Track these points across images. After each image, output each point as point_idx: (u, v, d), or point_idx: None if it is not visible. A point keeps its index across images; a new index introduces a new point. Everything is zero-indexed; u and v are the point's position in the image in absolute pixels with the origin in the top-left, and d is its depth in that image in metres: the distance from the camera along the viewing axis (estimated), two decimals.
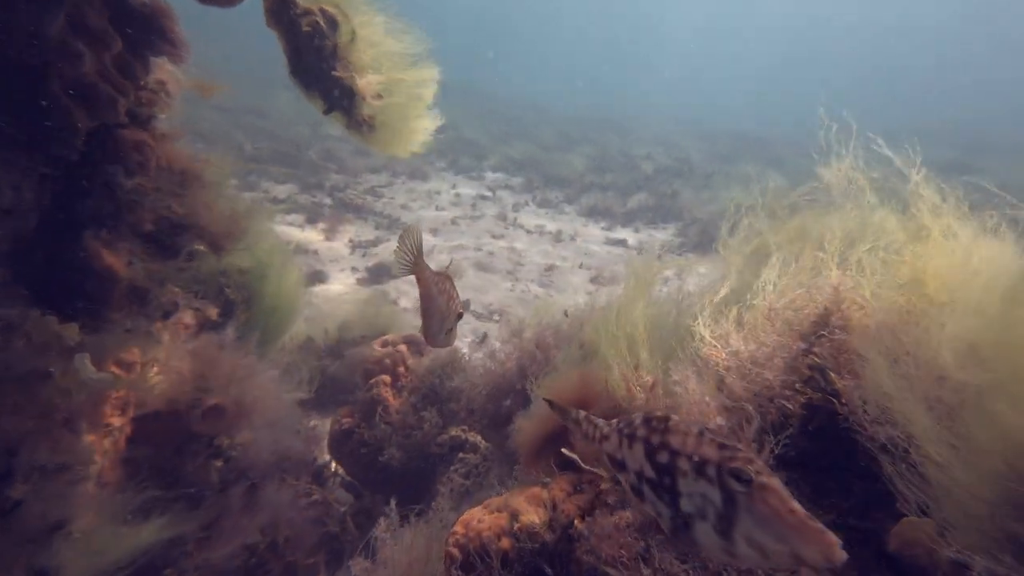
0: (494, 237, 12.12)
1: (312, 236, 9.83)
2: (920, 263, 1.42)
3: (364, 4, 3.28)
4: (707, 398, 1.70)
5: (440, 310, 2.29)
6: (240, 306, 3.56)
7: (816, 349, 1.69)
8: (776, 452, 1.61)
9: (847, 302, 1.63)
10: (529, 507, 1.72)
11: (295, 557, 3.19)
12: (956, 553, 1.17)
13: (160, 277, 3.07)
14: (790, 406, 1.70)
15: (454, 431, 4.36)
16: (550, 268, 10.94)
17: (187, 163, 3.29)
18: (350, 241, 10.11)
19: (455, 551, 1.69)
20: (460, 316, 2.13)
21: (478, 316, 8.96)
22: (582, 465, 1.76)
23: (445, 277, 2.14)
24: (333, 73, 3.24)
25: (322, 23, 3.17)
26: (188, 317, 3.24)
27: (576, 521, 1.60)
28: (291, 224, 9.93)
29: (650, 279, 2.16)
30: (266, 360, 3.82)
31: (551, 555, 1.61)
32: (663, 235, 13.23)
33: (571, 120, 23.45)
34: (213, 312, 3.34)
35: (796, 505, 1.07)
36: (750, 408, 1.65)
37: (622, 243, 12.45)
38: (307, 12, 3.16)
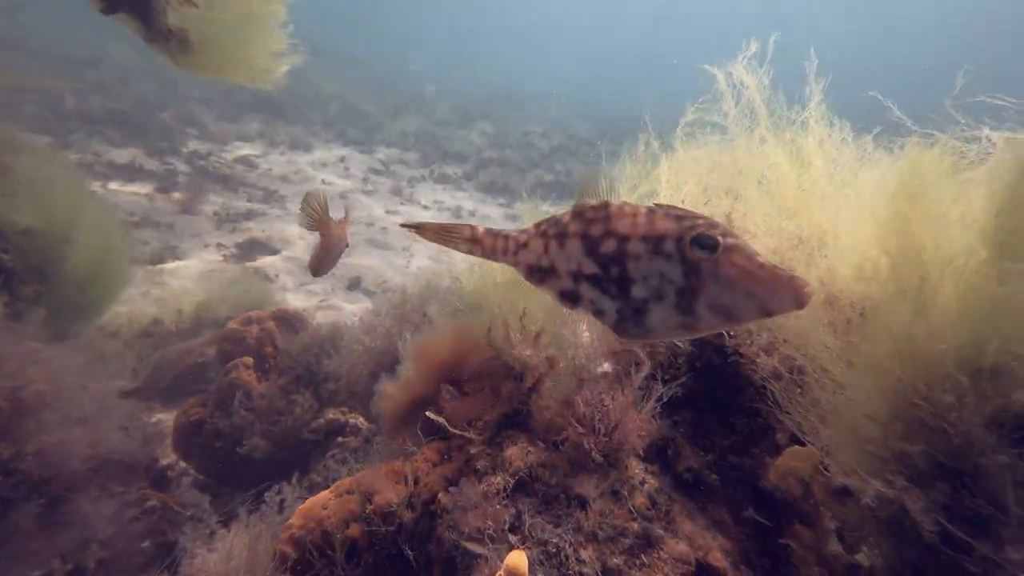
0: (388, 212, 11.39)
1: (164, 206, 8.42)
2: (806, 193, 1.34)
3: None
4: (595, 342, 1.48)
5: (335, 256, 2.92)
6: (24, 276, 2.74)
7: None
8: (664, 399, 1.47)
9: (739, 231, 1.49)
10: (386, 484, 1.40)
11: None
12: (845, 478, 1.07)
13: None
14: (680, 343, 1.54)
15: (332, 413, 3.88)
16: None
17: None
18: (215, 214, 8.85)
19: (288, 549, 1.32)
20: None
21: (370, 294, 8.34)
22: (450, 430, 1.46)
23: (345, 224, 2.77)
24: None
25: None
26: None
27: (440, 494, 1.31)
28: (134, 193, 8.41)
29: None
30: (72, 345, 3.02)
31: (410, 536, 1.31)
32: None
33: (470, 96, 22.94)
34: None
35: (762, 258, 1.03)
36: (640, 352, 1.45)
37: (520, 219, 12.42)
38: None
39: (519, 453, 1.35)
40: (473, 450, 1.36)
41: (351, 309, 7.53)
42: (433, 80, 24.65)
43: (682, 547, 1.24)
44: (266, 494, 2.23)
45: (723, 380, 1.48)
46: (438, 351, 1.65)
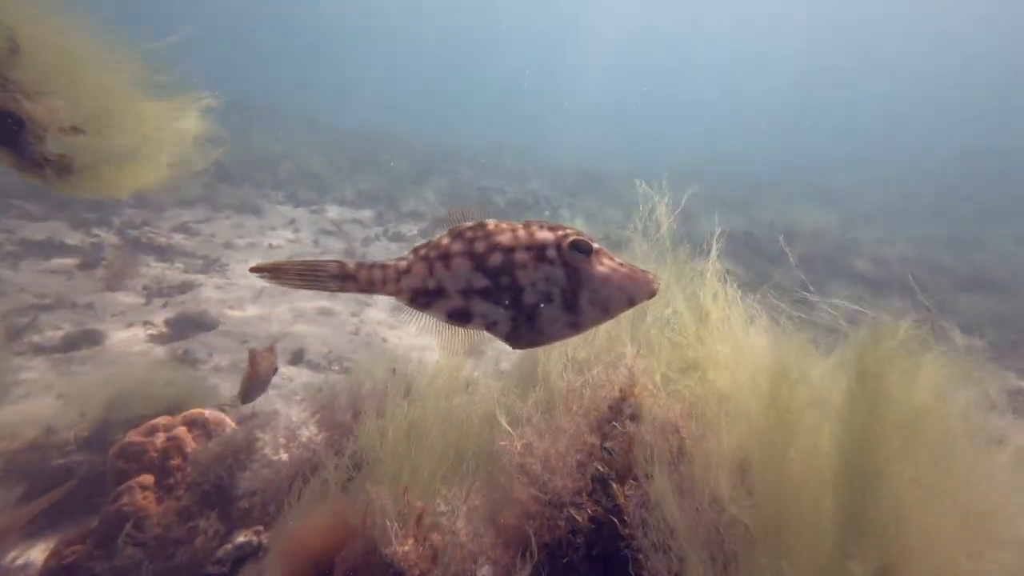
0: None
1: (84, 284, 7.82)
2: (702, 350, 1.26)
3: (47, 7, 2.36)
4: (482, 532, 1.24)
5: (263, 384, 3.02)
6: None
7: (608, 444, 1.34)
8: None
9: (639, 386, 1.34)
10: None
11: None
12: None
13: None
14: (579, 519, 1.32)
15: (243, 535, 3.39)
16: (401, 306, 10.19)
17: None
18: (145, 289, 8.29)
19: None
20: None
21: (315, 367, 7.85)
22: None
23: (273, 354, 2.86)
24: None
25: None
26: None
27: None
28: (49, 272, 7.79)
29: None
30: None
31: None
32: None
33: (423, 153, 23.26)
34: None
35: (618, 258, 1.20)
36: (532, 537, 1.21)
37: None
38: None
39: None
40: None
41: (291, 387, 7.03)
42: (382, 134, 24.99)
43: None
44: None
45: (619, 568, 1.27)
46: (308, 544, 1.36)
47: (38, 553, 3.50)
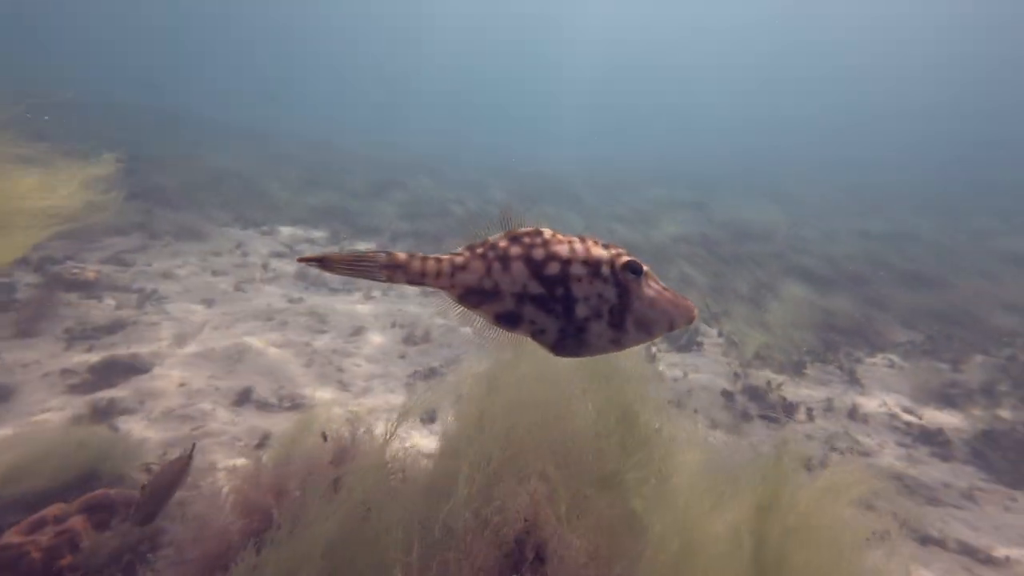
0: (291, 301, 10.36)
1: None
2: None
3: None
4: None
5: (168, 496, 2.70)
6: None
7: None
8: None
9: (543, 516, 1.37)
10: None
11: None
12: None
13: None
14: None
15: None
16: (358, 331, 9.62)
17: None
18: (66, 332, 7.50)
19: None
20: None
21: (264, 407, 7.21)
22: None
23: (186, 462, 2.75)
24: None
25: None
26: None
27: None
28: None
29: None
30: None
31: None
32: None
33: (381, 164, 22.60)
34: None
35: (661, 282, 1.29)
36: None
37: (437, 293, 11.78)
38: None
39: None
40: None
41: (234, 432, 6.41)
42: (335, 147, 24.25)
43: None
44: None
45: None
46: None
47: None
